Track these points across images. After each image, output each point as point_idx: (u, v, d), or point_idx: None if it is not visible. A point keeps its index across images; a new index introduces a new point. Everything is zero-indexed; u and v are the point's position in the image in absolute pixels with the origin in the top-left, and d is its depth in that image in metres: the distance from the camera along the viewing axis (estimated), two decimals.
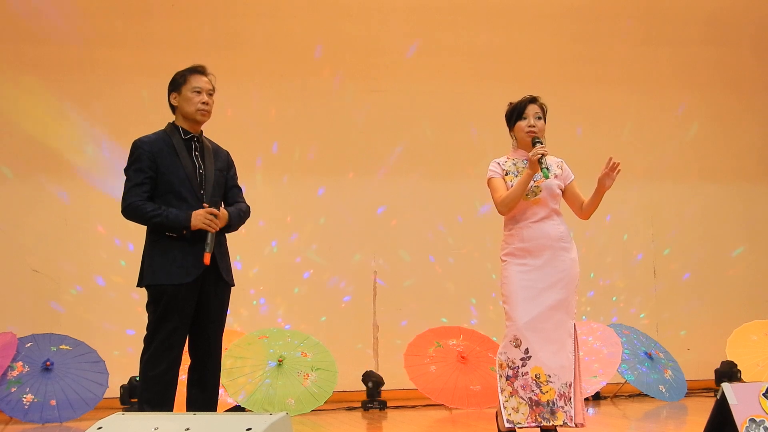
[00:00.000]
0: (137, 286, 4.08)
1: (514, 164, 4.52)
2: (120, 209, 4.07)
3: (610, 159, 4.36)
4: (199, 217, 3.96)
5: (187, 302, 3.97)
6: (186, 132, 4.11)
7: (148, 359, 3.95)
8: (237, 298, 7.27)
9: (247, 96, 7.57)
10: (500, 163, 4.55)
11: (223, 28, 7.61)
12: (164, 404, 3.92)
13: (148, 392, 3.94)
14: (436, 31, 7.95)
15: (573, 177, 4.59)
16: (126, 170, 4.07)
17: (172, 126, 4.14)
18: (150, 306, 4.01)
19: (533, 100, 4.51)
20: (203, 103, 4.08)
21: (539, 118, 4.48)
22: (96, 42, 7.39)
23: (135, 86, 7.31)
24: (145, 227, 4.09)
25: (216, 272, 4.05)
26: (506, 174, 4.50)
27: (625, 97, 8.25)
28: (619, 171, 4.36)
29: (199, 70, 4.12)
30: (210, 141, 4.25)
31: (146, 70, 7.32)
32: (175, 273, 3.94)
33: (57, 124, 7.31)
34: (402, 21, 7.92)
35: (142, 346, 4.01)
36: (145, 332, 4.01)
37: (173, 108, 4.15)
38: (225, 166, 4.23)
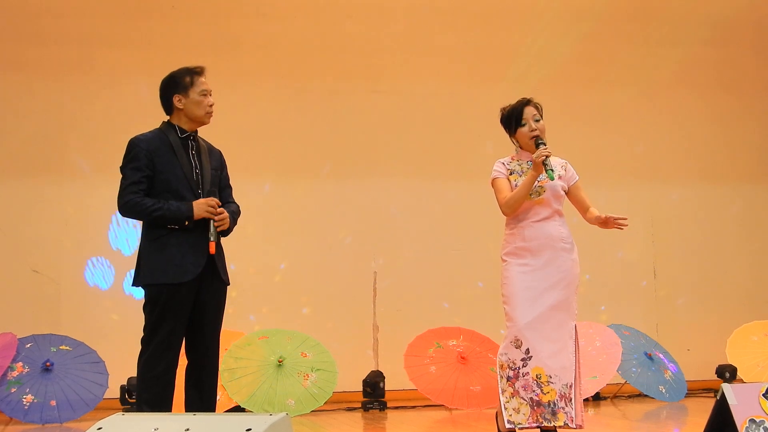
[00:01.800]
0: (133, 285, 4.08)
1: (519, 164, 4.52)
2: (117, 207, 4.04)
3: (617, 219, 4.33)
4: (201, 206, 3.96)
5: (185, 302, 3.96)
6: (183, 131, 4.09)
7: (146, 360, 3.94)
8: (237, 298, 7.31)
9: (246, 97, 7.56)
10: (504, 163, 4.56)
11: (222, 29, 7.60)
12: (163, 405, 3.91)
13: (146, 393, 3.93)
14: (437, 31, 7.94)
15: (577, 178, 4.58)
16: (122, 168, 4.04)
17: (168, 125, 4.12)
18: (147, 306, 3.99)
19: (525, 103, 4.50)
20: (210, 105, 4.09)
21: (537, 120, 4.48)
22: (96, 42, 7.39)
23: (135, 87, 7.31)
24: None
25: (213, 271, 4.05)
26: (511, 174, 4.51)
27: (626, 98, 8.26)
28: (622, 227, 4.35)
29: (200, 71, 4.11)
30: (203, 140, 4.24)
31: (146, 70, 7.30)
32: (173, 272, 3.92)
33: (57, 125, 7.30)
34: (402, 22, 7.92)
35: (140, 346, 4.01)
36: (142, 332, 4.01)
37: (171, 108, 4.11)
38: (219, 165, 4.23)
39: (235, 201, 4.30)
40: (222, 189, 4.22)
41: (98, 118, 7.34)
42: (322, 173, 7.70)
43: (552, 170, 4.32)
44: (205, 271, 4.00)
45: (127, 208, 3.99)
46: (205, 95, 4.07)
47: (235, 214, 4.20)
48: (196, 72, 4.10)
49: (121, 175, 4.05)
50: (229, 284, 4.18)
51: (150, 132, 4.10)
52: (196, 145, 4.14)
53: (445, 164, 7.84)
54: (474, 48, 7.99)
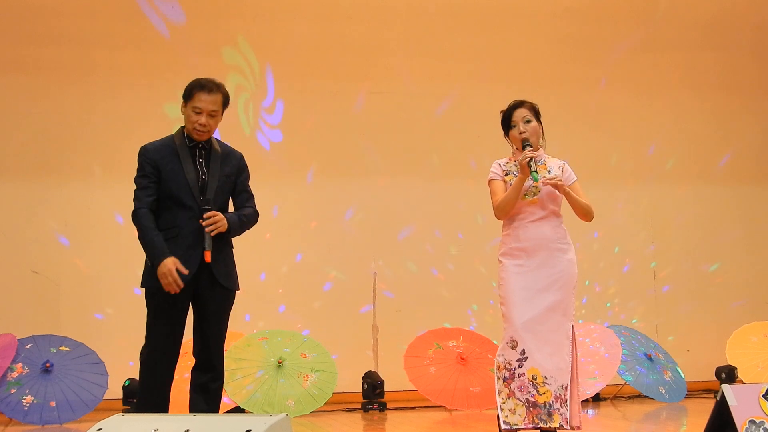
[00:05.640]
0: (141, 286, 4.15)
1: (516, 165, 4.54)
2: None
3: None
4: (164, 270, 3.91)
5: (178, 307, 4.02)
6: (191, 139, 4.13)
7: (144, 362, 4.02)
8: (239, 302, 7.31)
9: (245, 97, 7.56)
10: (501, 164, 4.57)
11: (222, 30, 7.60)
12: (157, 408, 3.93)
13: (142, 396, 4.00)
14: (436, 32, 7.95)
15: (575, 178, 4.56)
16: (136, 175, 4.13)
17: (181, 131, 4.17)
18: (147, 308, 4.08)
19: (518, 105, 4.52)
20: (200, 124, 4.07)
21: (528, 121, 4.48)
22: (96, 43, 7.39)
23: (135, 87, 7.31)
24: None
25: (210, 277, 4.06)
26: (506, 174, 4.52)
27: (625, 100, 8.26)
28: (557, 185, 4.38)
29: (207, 88, 4.08)
30: (223, 145, 4.24)
31: (146, 71, 7.32)
32: None
33: (57, 125, 7.30)
34: (401, 23, 7.92)
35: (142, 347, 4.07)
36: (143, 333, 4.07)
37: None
38: (235, 170, 4.23)
39: (254, 207, 4.29)
40: (237, 194, 4.24)
41: (98, 118, 7.34)
42: (322, 173, 7.70)
43: (536, 172, 4.32)
44: (202, 278, 4.03)
45: (133, 218, 4.09)
46: (198, 113, 4.06)
47: (246, 217, 4.21)
48: (202, 87, 4.08)
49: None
50: (237, 290, 4.21)
51: (161, 140, 4.17)
52: (205, 152, 4.15)
53: (445, 164, 7.84)
54: (474, 48, 7.99)
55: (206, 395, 4.07)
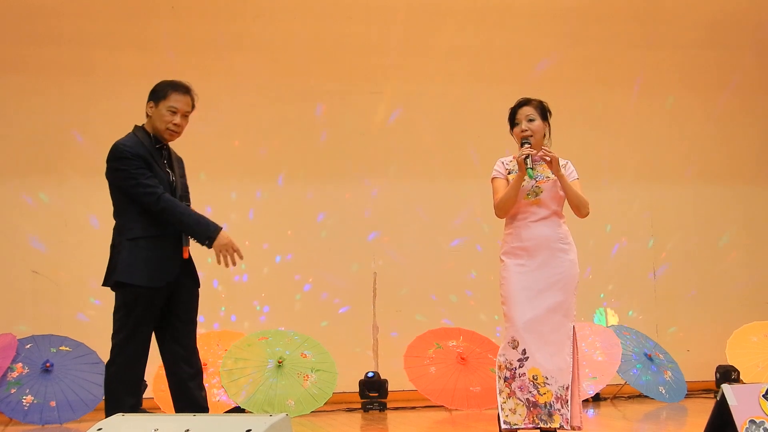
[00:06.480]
0: (103, 284, 4.02)
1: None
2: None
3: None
4: (226, 240, 3.92)
5: (157, 307, 3.96)
6: (157, 140, 4.07)
7: (124, 365, 3.90)
8: (238, 300, 7.31)
9: (245, 98, 7.56)
10: (504, 163, 4.58)
11: (222, 30, 7.60)
12: (136, 408, 3.91)
13: (120, 397, 3.88)
14: (436, 32, 7.95)
15: (576, 178, 4.55)
16: (125, 171, 3.93)
17: (144, 132, 4.07)
18: (122, 309, 3.92)
19: (522, 104, 4.53)
20: (174, 124, 4.03)
21: (531, 120, 4.48)
22: (96, 43, 7.39)
23: (134, 88, 7.21)
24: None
25: (189, 276, 4.05)
26: (509, 173, 4.53)
27: (626, 99, 8.26)
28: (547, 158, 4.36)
29: (182, 89, 4.06)
30: (169, 146, 4.21)
31: (146, 71, 7.29)
32: (153, 275, 3.90)
33: (57, 125, 7.30)
34: (401, 22, 7.92)
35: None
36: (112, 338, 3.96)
37: (147, 114, 4.09)
38: (183, 173, 4.23)
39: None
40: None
41: (98, 119, 7.32)
42: (322, 173, 7.70)
43: (532, 169, 4.33)
44: (179, 278, 4.00)
45: (159, 205, 3.91)
46: (173, 113, 4.01)
47: None
48: (177, 88, 4.05)
49: (129, 179, 3.95)
50: (199, 285, 4.16)
51: (128, 138, 4.03)
52: (168, 154, 4.13)
53: (445, 164, 7.84)
54: (474, 48, 7.99)
55: (197, 393, 4.02)
